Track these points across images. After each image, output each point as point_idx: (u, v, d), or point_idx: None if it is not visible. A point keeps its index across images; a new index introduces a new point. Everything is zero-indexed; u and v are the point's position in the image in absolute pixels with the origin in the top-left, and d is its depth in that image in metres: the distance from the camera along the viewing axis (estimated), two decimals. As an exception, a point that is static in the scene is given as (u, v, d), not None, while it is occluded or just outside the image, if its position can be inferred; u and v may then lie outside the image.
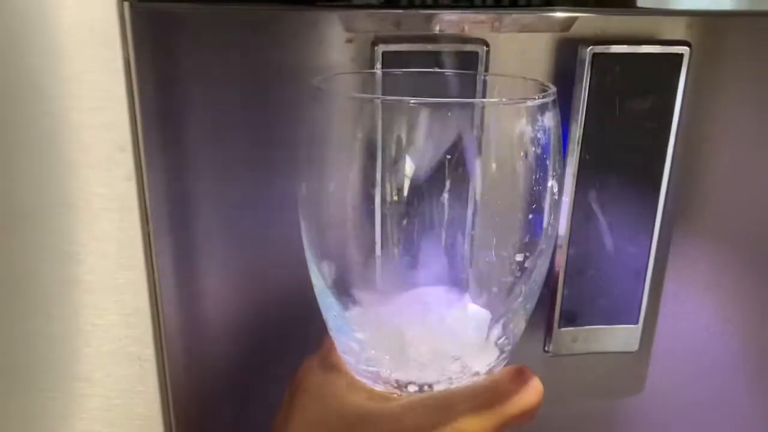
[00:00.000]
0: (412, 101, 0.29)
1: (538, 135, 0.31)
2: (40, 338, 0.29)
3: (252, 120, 0.37)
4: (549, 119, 0.31)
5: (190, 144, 0.36)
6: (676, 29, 0.41)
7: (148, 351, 0.30)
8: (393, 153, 0.30)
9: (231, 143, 0.37)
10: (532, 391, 0.32)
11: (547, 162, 0.31)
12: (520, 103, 0.30)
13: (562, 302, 0.44)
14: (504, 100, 0.34)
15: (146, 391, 0.32)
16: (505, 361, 0.34)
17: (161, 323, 0.30)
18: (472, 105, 0.31)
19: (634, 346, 0.46)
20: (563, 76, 0.41)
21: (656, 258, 0.44)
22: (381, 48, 0.38)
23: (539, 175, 0.31)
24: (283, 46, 0.36)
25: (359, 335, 0.33)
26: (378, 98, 0.31)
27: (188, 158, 0.36)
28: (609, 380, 0.49)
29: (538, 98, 0.30)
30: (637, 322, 0.45)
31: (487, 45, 0.39)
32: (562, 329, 0.45)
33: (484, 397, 0.31)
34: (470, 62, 0.39)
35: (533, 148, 0.31)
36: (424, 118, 0.30)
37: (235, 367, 0.41)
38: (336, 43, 0.38)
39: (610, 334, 0.46)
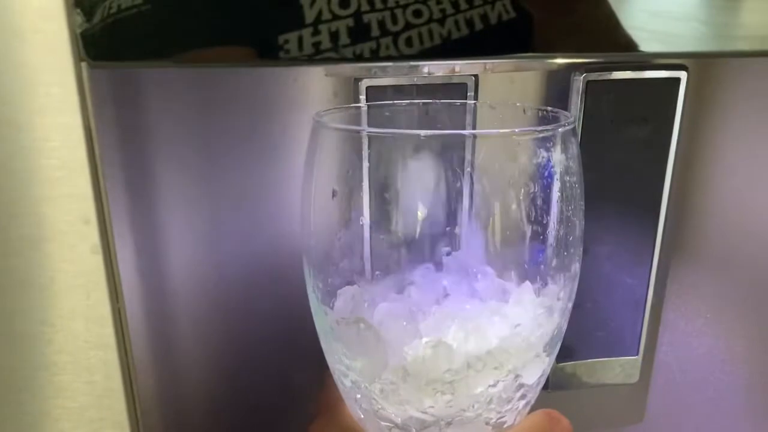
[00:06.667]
0: (422, 134, 0.27)
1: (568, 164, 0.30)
2: (9, 424, 0.27)
3: (226, 176, 0.35)
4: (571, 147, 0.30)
5: (160, 211, 0.33)
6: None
7: (125, 432, 0.28)
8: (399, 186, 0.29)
9: (204, 206, 0.35)
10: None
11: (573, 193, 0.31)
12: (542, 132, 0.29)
13: (559, 336, 0.43)
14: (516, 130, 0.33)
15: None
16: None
17: (136, 404, 0.28)
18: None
19: (635, 377, 0.45)
20: (555, 103, 0.39)
21: (655, 288, 0.43)
22: (365, 83, 0.36)
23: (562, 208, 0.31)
24: (255, 97, 0.34)
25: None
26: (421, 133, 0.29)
27: (159, 227, 0.34)
28: (609, 412, 0.48)
29: (566, 125, 0.29)
30: (636, 354, 0.44)
31: (476, 75, 0.37)
32: (561, 363, 0.43)
33: None
34: (459, 93, 0.38)
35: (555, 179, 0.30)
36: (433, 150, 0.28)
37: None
38: (316, 78, 0.36)
39: (610, 367, 0.44)
